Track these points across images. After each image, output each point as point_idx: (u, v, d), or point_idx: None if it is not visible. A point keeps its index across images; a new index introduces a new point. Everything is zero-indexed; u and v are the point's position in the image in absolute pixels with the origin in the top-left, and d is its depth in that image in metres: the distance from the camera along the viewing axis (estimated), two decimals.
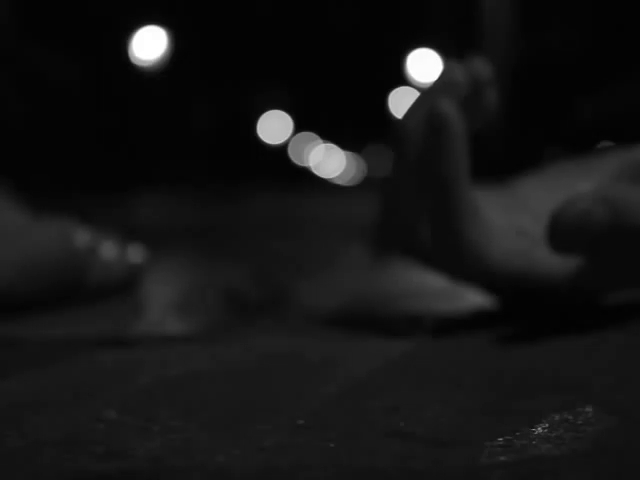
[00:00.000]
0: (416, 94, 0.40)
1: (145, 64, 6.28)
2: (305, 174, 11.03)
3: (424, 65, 7.79)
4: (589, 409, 0.26)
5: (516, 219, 0.40)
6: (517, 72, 3.44)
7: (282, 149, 10.51)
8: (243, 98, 8.60)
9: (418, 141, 0.38)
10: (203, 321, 0.44)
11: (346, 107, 9.73)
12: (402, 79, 8.34)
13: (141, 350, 0.36)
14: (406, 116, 0.38)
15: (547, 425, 0.24)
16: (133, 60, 6.21)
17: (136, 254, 0.54)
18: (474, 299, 0.47)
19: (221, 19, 7.68)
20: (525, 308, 0.42)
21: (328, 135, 11.69)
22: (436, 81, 0.38)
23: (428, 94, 0.38)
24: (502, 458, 0.22)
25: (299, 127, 10.72)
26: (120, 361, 0.34)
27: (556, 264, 0.38)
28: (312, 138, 11.77)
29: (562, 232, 0.35)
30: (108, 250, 0.51)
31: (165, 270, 0.69)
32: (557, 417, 0.25)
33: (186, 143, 6.70)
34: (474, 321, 0.42)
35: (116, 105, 5.47)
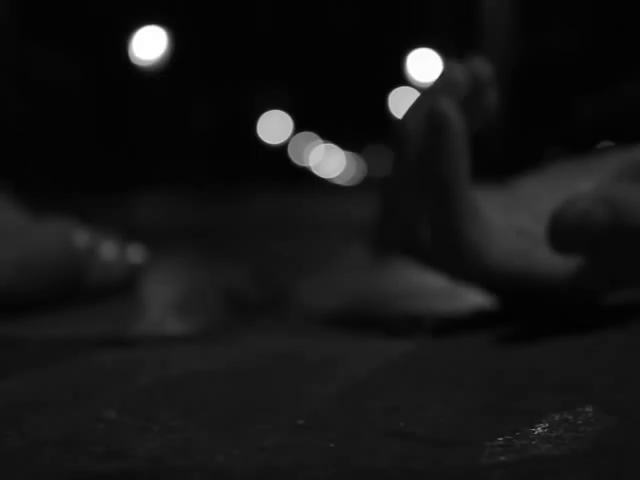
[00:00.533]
0: (416, 94, 0.40)
1: (145, 64, 6.28)
2: (305, 174, 11.03)
3: (424, 65, 7.80)
4: (589, 409, 0.26)
5: (516, 219, 0.40)
6: (517, 72, 3.44)
7: (282, 149, 10.51)
8: (243, 98, 8.60)
9: (418, 141, 0.38)
10: (203, 321, 0.44)
11: (346, 107, 9.73)
12: (402, 79, 8.35)
13: (141, 350, 0.36)
14: (406, 116, 0.38)
15: (547, 425, 0.24)
16: (133, 60, 6.22)
17: (136, 254, 0.54)
18: (474, 299, 0.47)
19: (221, 19, 7.68)
20: (525, 308, 0.42)
21: (328, 135, 11.69)
22: (436, 81, 0.38)
23: (428, 94, 0.38)
24: (502, 458, 0.22)
25: (299, 127, 10.72)
26: (120, 361, 0.34)
27: (556, 264, 0.38)
28: (312, 138, 11.77)
29: (562, 232, 0.35)
30: (108, 250, 0.51)
31: (165, 270, 0.69)
32: (557, 417, 0.25)
33: (186, 143, 6.70)
34: (474, 321, 0.42)
35: (116, 105, 5.47)
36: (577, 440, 0.23)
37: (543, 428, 0.24)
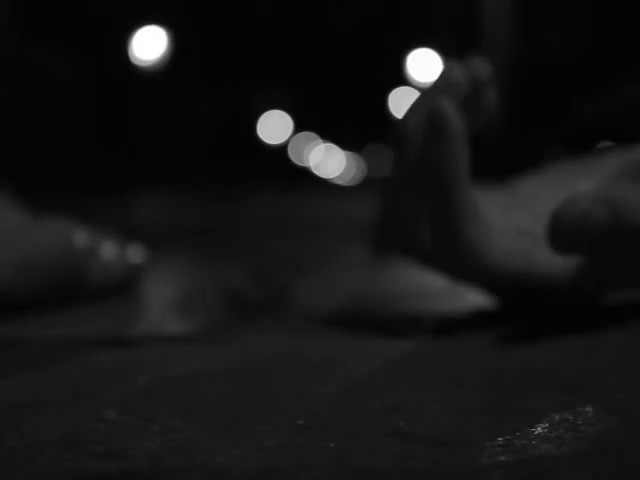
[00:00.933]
0: (416, 94, 0.40)
1: (145, 64, 6.28)
2: (305, 174, 11.03)
3: (424, 65, 7.79)
4: (589, 409, 0.26)
5: (516, 219, 0.40)
6: (517, 72, 3.44)
7: (282, 149, 10.51)
8: (243, 98, 8.60)
9: (418, 141, 0.38)
10: (203, 321, 0.44)
11: (346, 107, 9.73)
12: (402, 79, 8.34)
13: (141, 350, 0.36)
14: (406, 116, 0.38)
15: (547, 425, 0.24)
16: (133, 60, 6.21)
17: (136, 254, 0.54)
18: (474, 299, 0.47)
19: (221, 19, 7.68)
20: (525, 308, 0.42)
21: (328, 135, 11.70)
22: (436, 81, 0.38)
23: (428, 94, 0.38)
24: (502, 458, 0.22)
25: (299, 127, 10.72)
26: (120, 361, 0.34)
27: (556, 264, 0.38)
28: (312, 138, 11.77)
29: (562, 232, 0.35)
30: (108, 250, 0.51)
31: (165, 270, 0.69)
32: (557, 417, 0.25)
33: (186, 143, 6.70)
34: (474, 321, 0.42)
35: (116, 105, 5.47)
36: (577, 440, 0.23)
37: (543, 428, 0.24)
